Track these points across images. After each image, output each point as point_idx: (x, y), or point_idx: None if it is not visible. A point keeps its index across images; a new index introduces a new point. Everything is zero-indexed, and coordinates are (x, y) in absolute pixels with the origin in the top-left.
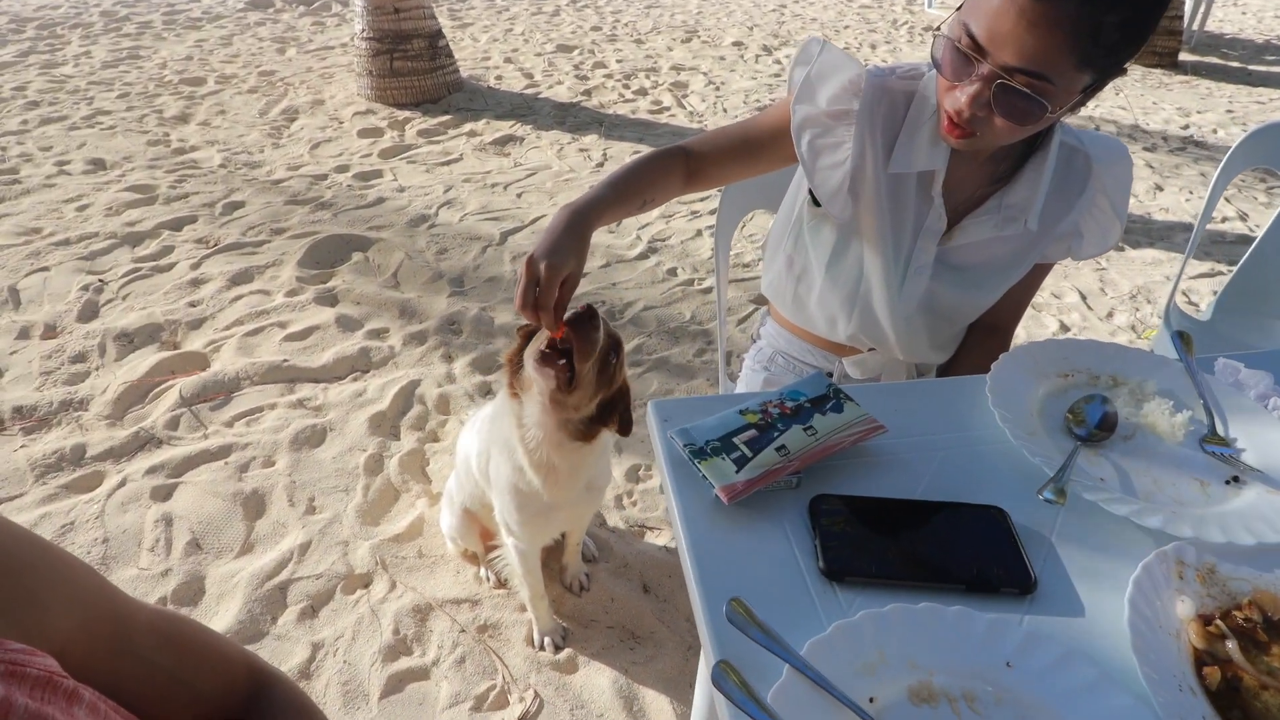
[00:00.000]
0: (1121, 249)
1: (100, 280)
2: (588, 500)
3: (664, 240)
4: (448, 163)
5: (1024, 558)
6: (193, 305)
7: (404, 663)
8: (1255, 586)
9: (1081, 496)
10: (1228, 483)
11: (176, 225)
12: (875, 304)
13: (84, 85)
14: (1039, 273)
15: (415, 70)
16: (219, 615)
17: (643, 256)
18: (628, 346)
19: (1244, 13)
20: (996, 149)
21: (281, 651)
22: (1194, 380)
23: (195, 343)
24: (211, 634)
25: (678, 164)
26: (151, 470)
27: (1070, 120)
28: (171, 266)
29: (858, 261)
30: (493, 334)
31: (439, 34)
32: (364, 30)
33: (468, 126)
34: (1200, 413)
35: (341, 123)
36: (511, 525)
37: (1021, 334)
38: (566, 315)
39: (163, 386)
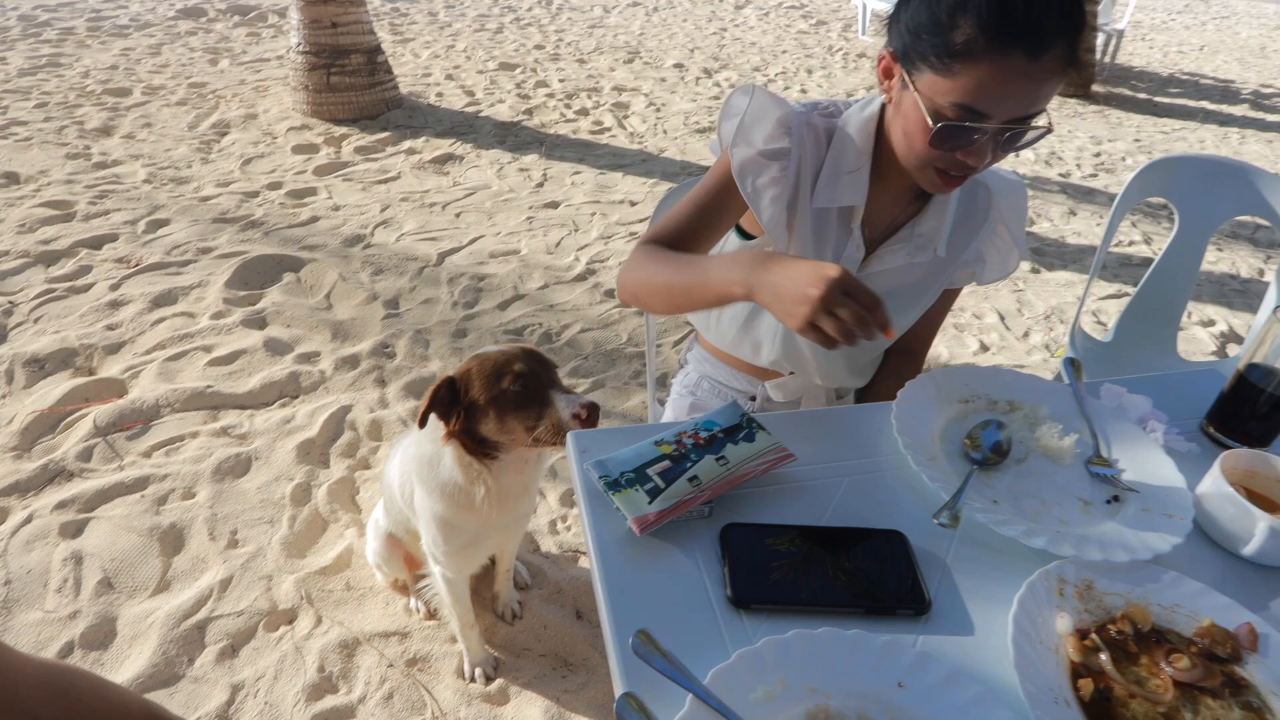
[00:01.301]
0: (1037, 271)
1: (10, 302)
2: (517, 525)
3: (603, 262)
4: (385, 181)
5: (919, 580)
6: (111, 328)
7: (329, 701)
8: (1128, 601)
9: (975, 519)
10: (1109, 502)
11: (95, 244)
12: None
13: None
14: (948, 298)
15: (353, 86)
16: (131, 659)
17: (580, 278)
18: (564, 370)
19: (1151, 48)
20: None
21: (198, 695)
22: (1080, 405)
23: (112, 368)
24: (109, 686)
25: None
26: (61, 505)
27: None
28: (89, 287)
29: None
30: (428, 357)
31: (378, 49)
32: (300, 44)
33: (406, 144)
34: (1087, 435)
35: (275, 138)
36: (439, 555)
37: (945, 352)
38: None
39: (75, 415)
